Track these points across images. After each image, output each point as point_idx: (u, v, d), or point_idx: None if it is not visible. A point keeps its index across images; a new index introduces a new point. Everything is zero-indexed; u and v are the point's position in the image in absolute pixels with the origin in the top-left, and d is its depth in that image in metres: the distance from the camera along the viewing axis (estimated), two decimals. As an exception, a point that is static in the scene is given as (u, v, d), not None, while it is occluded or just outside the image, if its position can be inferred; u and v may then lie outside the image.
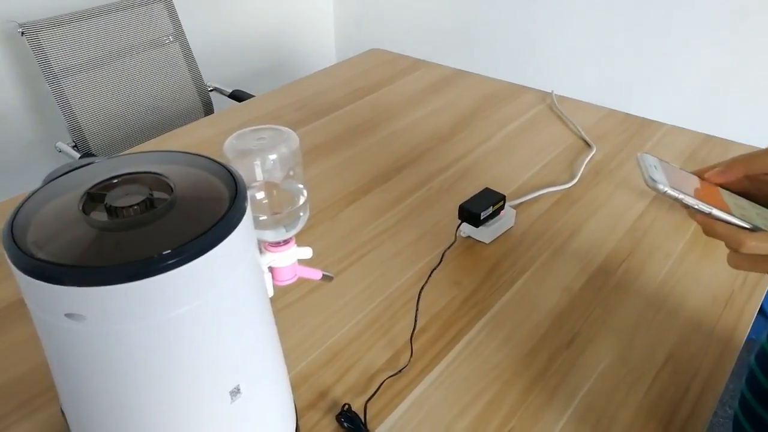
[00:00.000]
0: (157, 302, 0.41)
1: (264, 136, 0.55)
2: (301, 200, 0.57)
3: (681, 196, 0.44)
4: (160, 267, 0.40)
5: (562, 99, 1.30)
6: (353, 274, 0.83)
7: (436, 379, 0.68)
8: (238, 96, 1.58)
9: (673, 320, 0.77)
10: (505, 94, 1.33)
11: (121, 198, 0.44)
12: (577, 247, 0.89)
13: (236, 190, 0.46)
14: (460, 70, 1.45)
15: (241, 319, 0.48)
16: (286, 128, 0.56)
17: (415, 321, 0.74)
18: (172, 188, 0.45)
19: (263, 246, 0.58)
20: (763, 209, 0.47)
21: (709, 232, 0.44)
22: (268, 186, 0.56)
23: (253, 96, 1.47)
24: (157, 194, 0.45)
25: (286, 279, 0.61)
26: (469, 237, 0.90)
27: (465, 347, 0.73)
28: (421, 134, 1.18)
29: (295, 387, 0.67)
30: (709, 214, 0.44)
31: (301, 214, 0.59)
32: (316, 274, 0.65)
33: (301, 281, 0.80)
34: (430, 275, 0.80)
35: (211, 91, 1.64)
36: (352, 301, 0.79)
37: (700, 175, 0.49)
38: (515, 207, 0.96)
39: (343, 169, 1.07)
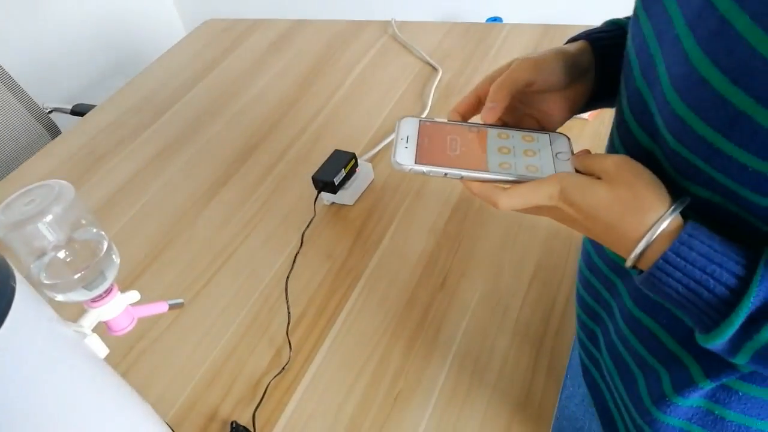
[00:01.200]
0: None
1: (33, 198, 0.50)
2: (104, 246, 0.54)
3: (426, 170, 0.43)
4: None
5: (404, 24, 1.27)
6: (223, 279, 0.80)
7: (320, 366, 0.68)
8: (80, 111, 1.45)
9: (534, 233, 0.79)
10: (347, 35, 1.28)
11: None
12: (436, 184, 0.88)
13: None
14: (298, 20, 1.39)
15: (60, 403, 0.45)
16: (57, 181, 0.51)
17: (288, 313, 0.73)
18: None
19: (85, 305, 0.55)
20: (536, 137, 0.46)
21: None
22: (61, 246, 0.52)
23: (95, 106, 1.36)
24: None
25: (125, 327, 0.58)
26: (333, 203, 0.89)
27: (344, 322, 0.72)
28: (270, 102, 1.13)
29: (182, 419, 0.65)
30: (462, 179, 0.43)
31: (114, 257, 0.55)
32: (160, 308, 0.62)
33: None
34: (294, 261, 0.78)
35: (50, 112, 1.50)
36: (226, 308, 0.77)
37: (464, 117, 0.48)
38: (372, 159, 0.95)
39: (195, 166, 1.01)
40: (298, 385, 0.67)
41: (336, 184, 0.85)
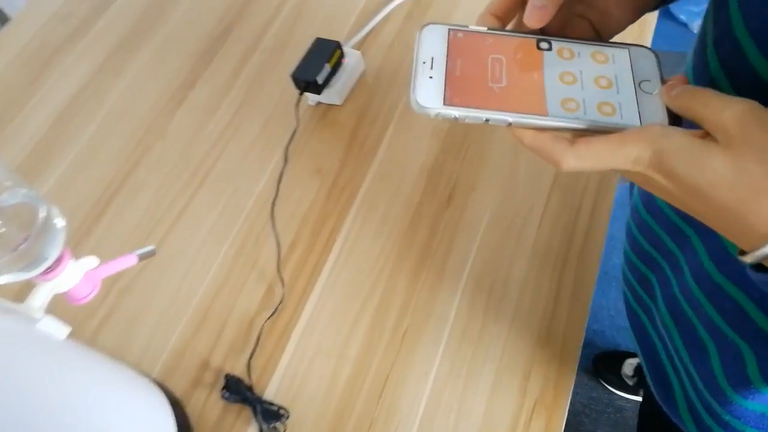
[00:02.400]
0: None
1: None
2: (40, 211, 0.44)
3: (460, 114, 0.31)
4: None
5: None
6: (202, 203, 0.71)
7: (317, 303, 0.62)
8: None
9: (553, 131, 0.67)
10: None
11: None
12: (438, 73, 0.75)
13: None
14: None
15: (23, 401, 0.39)
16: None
17: (278, 244, 0.65)
18: None
19: (34, 279, 0.47)
20: (610, 56, 0.32)
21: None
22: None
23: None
24: None
25: (86, 294, 0.50)
26: (320, 103, 0.77)
27: (341, 250, 0.65)
28: (238, -24, 0.96)
29: (171, 371, 0.60)
30: (509, 125, 0.31)
31: (56, 222, 0.46)
32: (128, 262, 0.54)
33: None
34: (279, 181, 0.68)
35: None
36: (208, 238, 0.68)
37: (503, 21, 0.35)
38: (360, 44, 0.80)
39: (158, 65, 0.88)
40: (294, 326, 0.61)
41: (320, 83, 0.72)
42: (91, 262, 0.49)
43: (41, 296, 0.47)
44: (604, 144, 0.28)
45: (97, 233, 0.70)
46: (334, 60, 0.73)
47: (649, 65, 0.32)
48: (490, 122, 0.31)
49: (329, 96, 0.75)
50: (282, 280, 0.63)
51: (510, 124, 0.31)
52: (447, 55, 0.33)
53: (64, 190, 0.75)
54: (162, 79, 0.85)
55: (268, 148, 0.74)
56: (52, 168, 0.78)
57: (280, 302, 0.62)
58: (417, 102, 0.32)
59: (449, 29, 0.34)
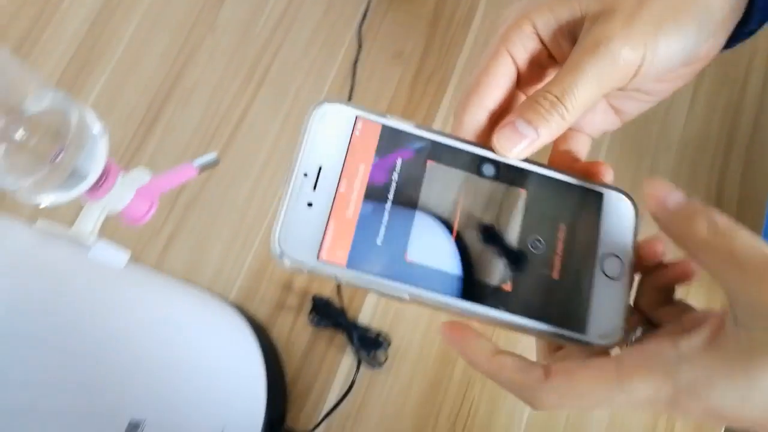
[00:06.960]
0: None
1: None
2: (73, 117, 0.36)
3: (342, 277, 0.22)
4: None
5: None
6: (266, 101, 0.62)
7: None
8: None
9: None
10: None
11: None
12: None
13: None
14: None
15: (71, 340, 0.32)
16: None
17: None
18: None
19: (81, 200, 0.39)
20: (572, 197, 0.23)
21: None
22: (15, 127, 0.34)
23: None
24: None
25: (145, 212, 0.42)
26: (392, -26, 0.64)
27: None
28: None
29: (251, 292, 0.53)
30: (406, 301, 0.23)
31: (92, 128, 0.37)
32: (186, 173, 0.46)
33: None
34: (354, 72, 0.57)
35: None
36: (277, 142, 0.59)
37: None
38: None
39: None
40: (386, 241, 0.52)
41: (394, -55, 0.59)
42: (142, 174, 0.41)
43: (91, 218, 0.39)
44: (593, 378, 0.19)
45: (151, 144, 0.62)
46: None
47: (622, 227, 0.21)
48: (385, 296, 0.22)
49: (405, -37, 0.62)
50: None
51: (405, 300, 0.22)
52: (343, 167, 0.23)
53: (111, 100, 0.67)
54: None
55: (335, 32, 0.62)
56: (95, 76, 0.69)
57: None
58: (277, 246, 0.22)
59: (357, 116, 0.24)
